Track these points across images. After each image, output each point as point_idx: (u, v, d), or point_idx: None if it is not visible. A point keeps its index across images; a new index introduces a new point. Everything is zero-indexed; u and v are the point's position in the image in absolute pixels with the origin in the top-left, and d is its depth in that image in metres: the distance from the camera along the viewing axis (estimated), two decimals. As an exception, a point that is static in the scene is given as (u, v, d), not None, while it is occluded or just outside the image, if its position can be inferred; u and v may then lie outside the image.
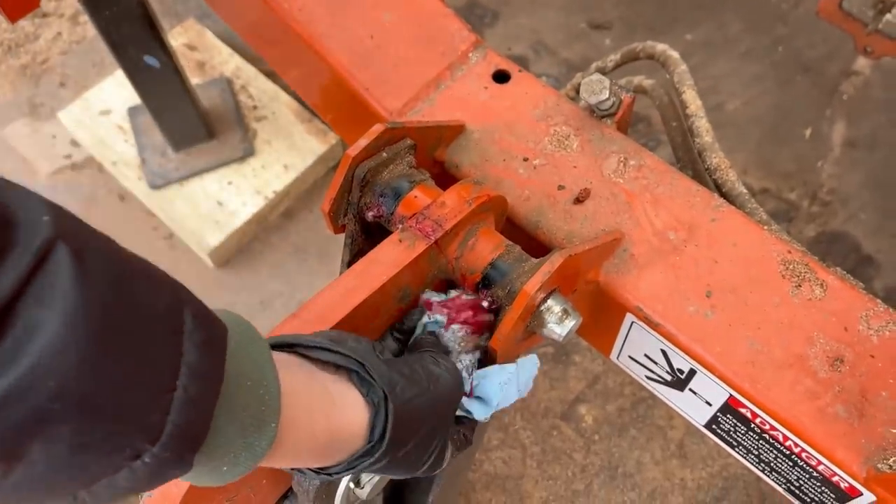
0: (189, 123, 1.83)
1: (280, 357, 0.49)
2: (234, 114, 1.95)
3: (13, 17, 1.09)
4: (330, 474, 0.53)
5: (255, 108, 1.99)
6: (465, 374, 0.64)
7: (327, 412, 0.50)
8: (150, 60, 1.58)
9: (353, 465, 0.52)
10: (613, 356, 0.82)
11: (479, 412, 0.65)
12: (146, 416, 0.35)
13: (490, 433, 1.65)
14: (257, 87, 2.02)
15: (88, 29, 2.18)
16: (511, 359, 0.70)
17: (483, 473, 1.63)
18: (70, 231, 0.33)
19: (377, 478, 0.65)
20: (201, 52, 2.08)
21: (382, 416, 0.53)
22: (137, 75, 1.62)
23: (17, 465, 0.32)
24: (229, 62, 2.05)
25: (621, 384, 1.70)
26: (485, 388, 0.64)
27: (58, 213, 0.33)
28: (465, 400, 0.64)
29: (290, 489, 0.67)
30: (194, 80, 1.94)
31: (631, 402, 1.69)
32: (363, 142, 0.70)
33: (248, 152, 1.91)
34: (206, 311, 0.40)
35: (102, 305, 0.32)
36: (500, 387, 0.64)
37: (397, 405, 0.53)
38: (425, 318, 0.67)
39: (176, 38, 2.07)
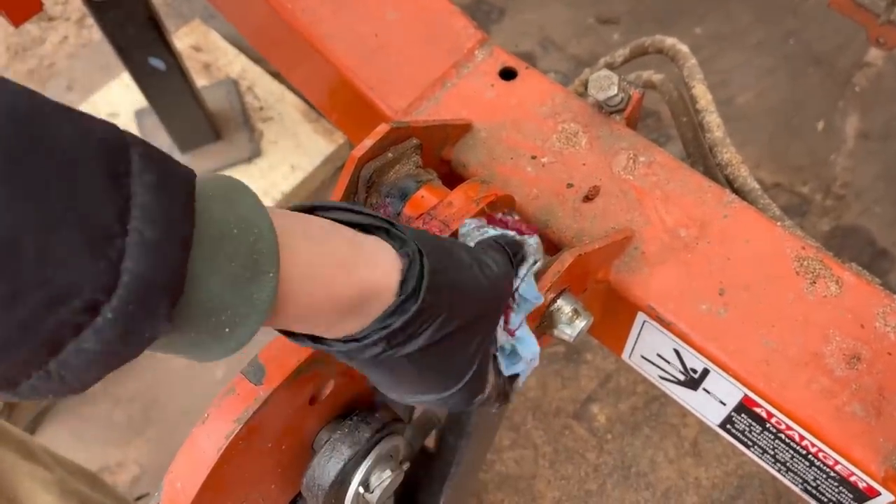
0: (195, 125, 1.83)
1: (284, 212, 0.45)
2: (240, 115, 1.95)
3: (16, 21, 1.09)
4: (359, 340, 0.48)
5: (261, 108, 1.98)
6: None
7: (349, 263, 0.46)
8: (156, 62, 1.58)
9: (385, 324, 0.47)
10: (625, 356, 0.81)
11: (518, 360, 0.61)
12: (89, 262, 0.32)
13: (501, 433, 1.64)
14: (263, 87, 2.01)
15: (95, 32, 2.19)
16: None
17: (495, 474, 1.62)
18: None
19: (388, 481, 0.64)
20: (207, 53, 2.08)
21: (417, 268, 0.48)
22: (143, 78, 1.62)
23: None
24: (235, 63, 2.05)
25: (634, 382, 1.69)
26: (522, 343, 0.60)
27: None
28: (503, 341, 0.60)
29: (300, 494, 0.67)
30: (200, 81, 1.94)
31: (644, 400, 1.67)
32: (368, 142, 0.69)
33: (254, 153, 1.91)
34: (160, 155, 0.36)
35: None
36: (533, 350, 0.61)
37: (434, 266, 0.48)
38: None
39: (181, 40, 2.07)
